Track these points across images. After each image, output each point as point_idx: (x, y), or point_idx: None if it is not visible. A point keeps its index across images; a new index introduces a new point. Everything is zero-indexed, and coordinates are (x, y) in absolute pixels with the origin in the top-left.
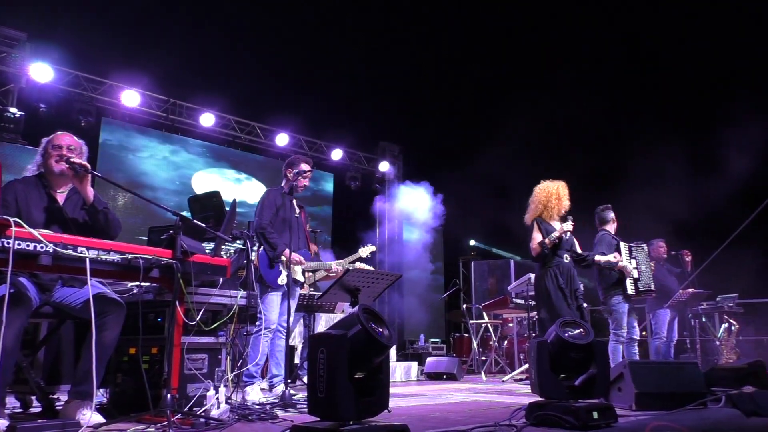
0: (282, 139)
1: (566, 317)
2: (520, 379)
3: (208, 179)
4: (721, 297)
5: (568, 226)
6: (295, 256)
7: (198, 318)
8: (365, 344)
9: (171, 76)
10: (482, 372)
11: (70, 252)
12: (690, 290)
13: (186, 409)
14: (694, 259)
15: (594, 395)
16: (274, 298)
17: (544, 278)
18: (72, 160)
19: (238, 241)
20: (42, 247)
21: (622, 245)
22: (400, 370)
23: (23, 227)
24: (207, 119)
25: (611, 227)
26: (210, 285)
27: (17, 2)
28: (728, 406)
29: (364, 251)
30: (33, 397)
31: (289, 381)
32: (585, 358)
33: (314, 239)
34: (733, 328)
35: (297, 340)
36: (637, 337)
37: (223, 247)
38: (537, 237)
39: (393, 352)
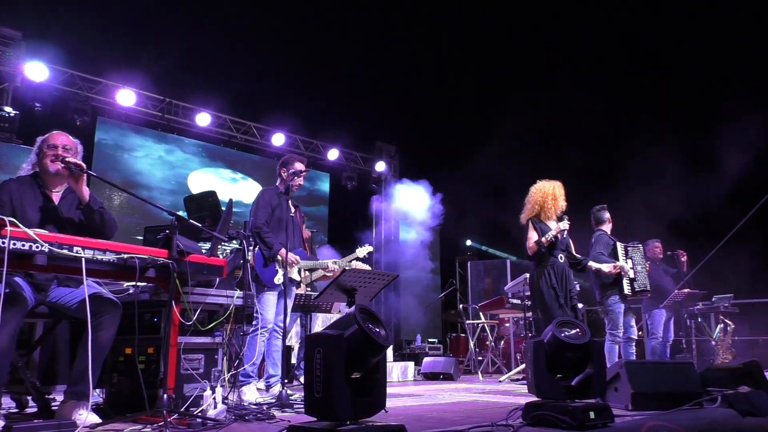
0: (278, 139)
1: (561, 317)
2: (517, 379)
3: (204, 179)
4: (716, 297)
5: (565, 225)
6: (291, 257)
7: (194, 318)
8: (362, 344)
9: (167, 76)
10: (479, 372)
11: (65, 252)
12: (685, 290)
13: (182, 410)
14: (690, 259)
15: (590, 395)
16: (271, 298)
17: (538, 278)
18: (67, 159)
19: (234, 241)
20: (37, 247)
21: (619, 245)
22: (397, 370)
23: (18, 227)
24: (203, 119)
25: (607, 227)
26: (206, 285)
27: (13, 1)
28: (724, 406)
29: (362, 251)
30: (29, 398)
31: (286, 381)
32: (581, 358)
33: (311, 239)
34: (728, 328)
35: (294, 340)
36: (635, 337)
37: (219, 246)
38: (533, 236)
39: (390, 352)
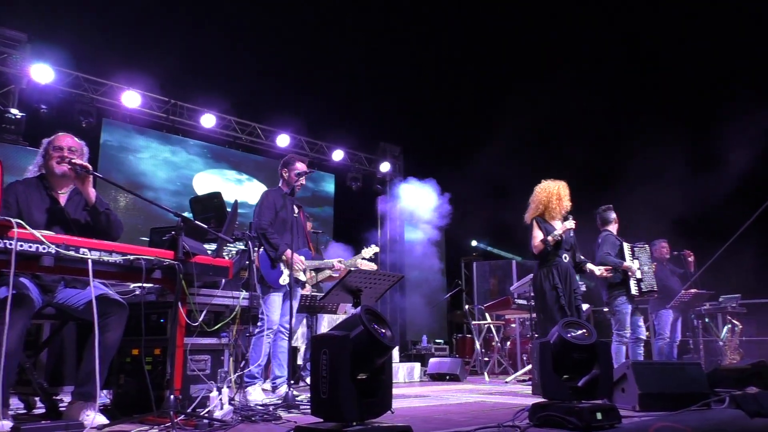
0: (283, 140)
1: (567, 318)
2: (523, 380)
3: (209, 180)
4: (723, 297)
5: (571, 224)
6: (297, 259)
7: (200, 319)
8: (368, 345)
9: (171, 77)
10: (485, 373)
11: (72, 253)
12: (692, 291)
13: (189, 411)
14: (696, 258)
15: (597, 396)
16: (276, 299)
17: (541, 277)
18: (73, 161)
19: (239, 242)
20: (44, 249)
21: (625, 246)
22: (403, 371)
23: (25, 228)
24: (208, 120)
25: (613, 227)
26: (212, 286)
27: (18, 3)
28: (732, 406)
29: (368, 252)
30: (36, 399)
31: (292, 382)
32: (588, 359)
33: (316, 240)
34: (736, 328)
35: (300, 341)
36: (644, 337)
37: (224, 248)
38: (538, 235)
39: (396, 353)
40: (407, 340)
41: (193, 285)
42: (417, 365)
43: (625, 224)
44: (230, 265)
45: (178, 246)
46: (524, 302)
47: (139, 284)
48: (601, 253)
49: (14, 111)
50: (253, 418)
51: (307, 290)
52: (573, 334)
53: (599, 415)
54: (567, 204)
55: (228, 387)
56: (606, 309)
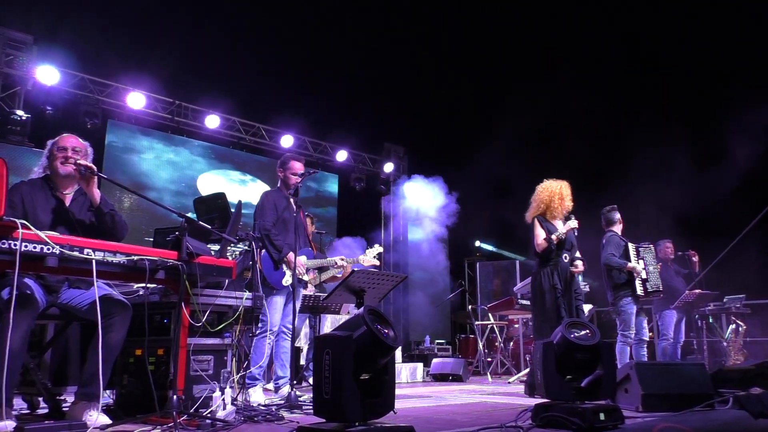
0: (287, 141)
1: (564, 318)
2: (526, 381)
3: (214, 181)
4: (728, 298)
5: (574, 224)
6: (299, 263)
7: (204, 319)
8: (371, 345)
9: (176, 78)
10: (488, 373)
11: (76, 254)
12: (696, 291)
13: (192, 411)
14: (700, 258)
15: (600, 396)
16: (278, 300)
17: (541, 277)
18: (78, 161)
19: (243, 243)
20: (48, 249)
21: (630, 246)
22: (406, 372)
23: (30, 229)
24: (212, 121)
25: (618, 228)
26: (215, 286)
27: (24, 5)
28: (736, 407)
29: (371, 252)
30: (40, 399)
31: (295, 382)
32: (591, 360)
33: (319, 241)
34: (740, 328)
35: (303, 342)
36: (647, 338)
37: (228, 248)
38: (541, 234)
39: (399, 353)
40: (410, 341)
41: (197, 285)
42: (420, 365)
43: (628, 223)
44: (234, 266)
45: (182, 246)
46: (527, 303)
47: (143, 285)
48: (606, 254)
49: (20, 112)
50: (255, 419)
51: (310, 290)
52: (576, 334)
53: (602, 416)
54: (569, 204)
55: (231, 387)
56: (611, 309)
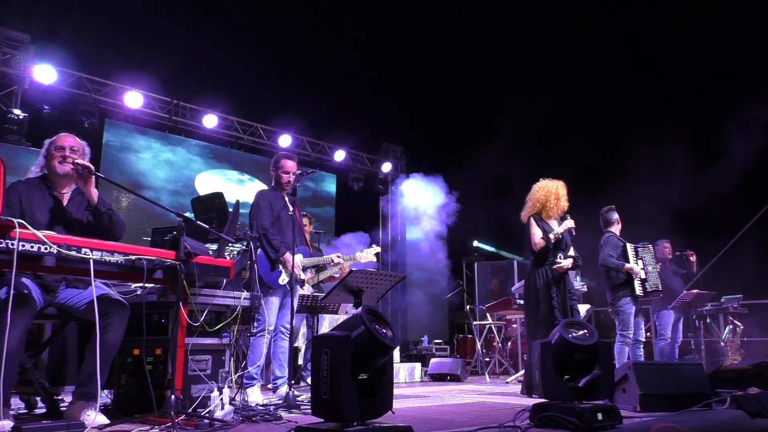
0: (285, 141)
1: (557, 318)
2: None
3: (211, 180)
4: (725, 298)
5: (571, 223)
6: (296, 264)
7: (202, 319)
8: (369, 345)
9: (174, 78)
10: (486, 373)
11: (73, 253)
12: (694, 291)
13: (190, 411)
14: (698, 258)
15: (598, 396)
16: (274, 300)
17: (535, 277)
18: (76, 161)
19: (241, 243)
20: (46, 249)
21: (629, 246)
22: (404, 371)
23: (27, 228)
24: (210, 120)
25: (616, 228)
26: (213, 286)
27: (21, 4)
28: (733, 407)
29: (369, 252)
30: (37, 398)
31: (293, 382)
32: (589, 360)
33: (317, 240)
34: (737, 329)
35: (301, 341)
36: (643, 339)
37: (226, 248)
38: (538, 233)
39: (397, 353)
40: (408, 340)
41: (195, 285)
42: (418, 365)
43: (626, 223)
44: (231, 266)
45: (180, 246)
46: None
47: (141, 284)
48: (603, 254)
49: (17, 111)
50: (253, 418)
51: (308, 290)
52: (574, 334)
53: (600, 416)
54: (564, 204)
55: (229, 387)
56: (610, 309)
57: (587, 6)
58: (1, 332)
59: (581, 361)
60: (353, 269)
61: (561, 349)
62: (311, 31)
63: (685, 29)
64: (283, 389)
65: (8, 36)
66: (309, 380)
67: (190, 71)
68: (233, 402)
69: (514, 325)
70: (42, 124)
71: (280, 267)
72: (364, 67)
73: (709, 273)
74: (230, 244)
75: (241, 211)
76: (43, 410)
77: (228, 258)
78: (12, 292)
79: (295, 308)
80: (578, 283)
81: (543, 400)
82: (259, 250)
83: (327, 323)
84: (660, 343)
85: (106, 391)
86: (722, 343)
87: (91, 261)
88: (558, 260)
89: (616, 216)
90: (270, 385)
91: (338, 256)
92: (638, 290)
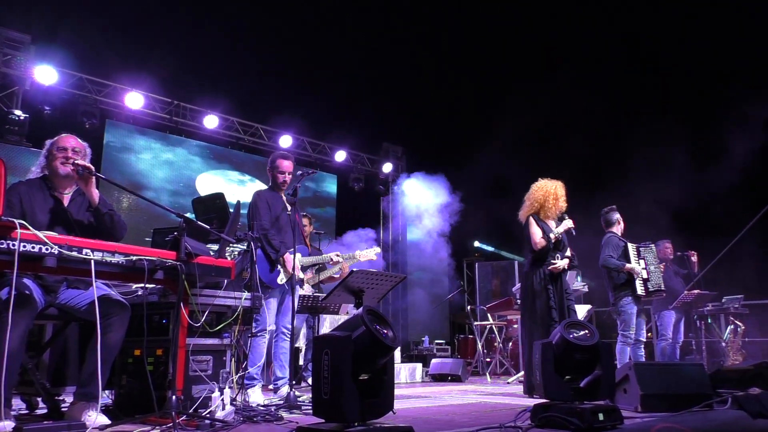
0: (285, 141)
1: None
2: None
3: (212, 181)
4: (726, 298)
5: (569, 223)
6: (296, 265)
7: (203, 320)
8: (369, 346)
9: (174, 78)
10: (487, 373)
11: (74, 254)
12: (695, 291)
13: (191, 411)
14: (699, 258)
15: (599, 397)
16: (272, 300)
17: (533, 277)
18: (77, 162)
19: (241, 243)
20: (47, 249)
21: (630, 246)
22: (405, 372)
23: (28, 229)
24: (210, 121)
25: (617, 229)
26: (214, 286)
27: (21, 5)
28: (734, 407)
29: (369, 251)
30: (39, 399)
31: (294, 382)
32: (590, 360)
33: (318, 240)
34: (738, 329)
35: (301, 342)
36: (644, 339)
37: (227, 248)
38: (537, 232)
39: (397, 353)
40: (409, 341)
41: (196, 286)
42: (419, 366)
43: (627, 222)
44: (232, 266)
45: (181, 247)
46: None
47: (142, 285)
48: (604, 255)
49: (18, 112)
50: (254, 419)
51: (308, 290)
52: (575, 334)
53: (601, 416)
54: (563, 204)
55: (230, 387)
56: (611, 309)
57: (587, 6)
58: (2, 333)
59: (582, 362)
60: (354, 270)
61: (562, 349)
62: (311, 31)
63: (685, 29)
64: (284, 390)
65: (9, 37)
66: (310, 381)
67: (191, 71)
68: (234, 402)
69: (515, 326)
70: (43, 124)
71: (279, 267)
72: (364, 67)
73: (710, 273)
74: (231, 245)
75: (244, 211)
76: (44, 411)
77: (229, 258)
78: (13, 292)
79: (296, 309)
80: (579, 284)
81: (544, 401)
82: (258, 251)
83: (328, 324)
84: (661, 344)
85: (107, 391)
86: (723, 344)
87: (92, 261)
88: (554, 261)
89: (617, 216)
90: (271, 386)
91: (337, 255)
92: (640, 290)
